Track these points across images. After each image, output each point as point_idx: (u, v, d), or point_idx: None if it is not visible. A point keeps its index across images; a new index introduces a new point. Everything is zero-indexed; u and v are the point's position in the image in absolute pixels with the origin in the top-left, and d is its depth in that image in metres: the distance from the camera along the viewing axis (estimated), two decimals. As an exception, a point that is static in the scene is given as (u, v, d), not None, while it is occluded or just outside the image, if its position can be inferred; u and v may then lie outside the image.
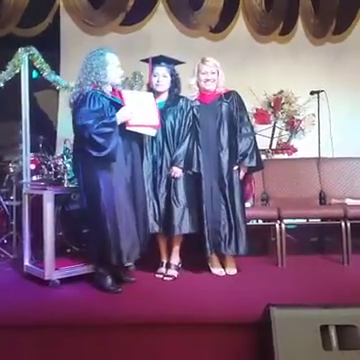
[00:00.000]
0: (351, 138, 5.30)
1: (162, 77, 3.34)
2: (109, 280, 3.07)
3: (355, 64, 5.66)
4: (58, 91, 4.86)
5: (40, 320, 2.56)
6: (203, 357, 2.41)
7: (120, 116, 2.99)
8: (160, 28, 5.55)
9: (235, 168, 3.38)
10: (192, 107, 3.41)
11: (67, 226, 3.65)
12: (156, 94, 3.36)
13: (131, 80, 4.56)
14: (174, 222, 3.26)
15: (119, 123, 2.98)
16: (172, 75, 3.37)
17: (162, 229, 3.32)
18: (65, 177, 3.63)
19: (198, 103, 3.44)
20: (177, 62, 3.44)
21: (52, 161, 3.94)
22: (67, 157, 3.70)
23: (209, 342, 2.45)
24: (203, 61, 3.41)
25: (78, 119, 2.95)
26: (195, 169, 3.33)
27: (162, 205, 3.30)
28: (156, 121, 3.17)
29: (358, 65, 5.66)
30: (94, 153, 2.91)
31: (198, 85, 3.44)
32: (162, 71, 3.35)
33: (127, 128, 3.04)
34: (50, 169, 3.90)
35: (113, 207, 2.96)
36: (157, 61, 3.37)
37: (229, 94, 3.43)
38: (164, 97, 3.39)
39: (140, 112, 3.08)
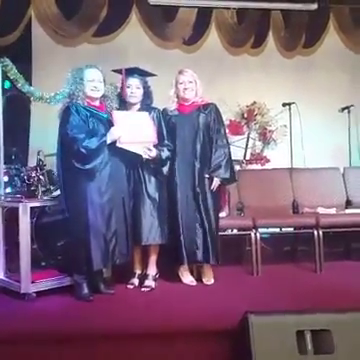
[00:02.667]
0: (322, 149, 5.46)
1: (135, 88, 3.39)
2: (85, 288, 3.10)
3: (324, 77, 5.85)
4: (30, 102, 4.85)
5: (16, 334, 2.51)
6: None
7: (110, 135, 3.13)
8: (134, 40, 5.60)
9: (207, 176, 3.42)
10: (170, 117, 3.47)
11: (41, 239, 3.60)
12: (129, 105, 3.42)
13: (107, 89, 4.57)
14: (147, 231, 3.28)
15: (109, 142, 3.11)
16: (145, 87, 3.42)
17: (134, 238, 3.30)
18: (39, 189, 3.59)
19: (176, 113, 3.50)
20: (150, 74, 3.50)
21: (25, 173, 3.89)
22: (40, 169, 3.68)
23: (188, 350, 2.45)
24: (181, 72, 3.50)
25: (69, 130, 3.07)
26: (166, 172, 3.36)
27: (131, 212, 3.30)
28: (152, 137, 3.28)
29: (327, 78, 5.85)
30: (77, 165, 3.05)
31: (177, 96, 3.50)
32: (135, 83, 3.39)
33: (117, 145, 3.14)
34: (23, 181, 3.85)
35: (88, 216, 3.05)
36: (131, 72, 3.42)
37: (208, 106, 3.51)
38: (136, 108, 3.44)
39: (132, 130, 3.19)
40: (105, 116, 3.25)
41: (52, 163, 3.99)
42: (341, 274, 3.64)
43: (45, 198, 3.49)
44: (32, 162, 4.34)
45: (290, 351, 2.23)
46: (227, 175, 3.45)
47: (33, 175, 3.75)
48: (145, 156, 3.24)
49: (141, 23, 5.62)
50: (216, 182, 3.43)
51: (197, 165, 3.43)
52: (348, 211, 4.13)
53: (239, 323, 2.38)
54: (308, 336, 2.28)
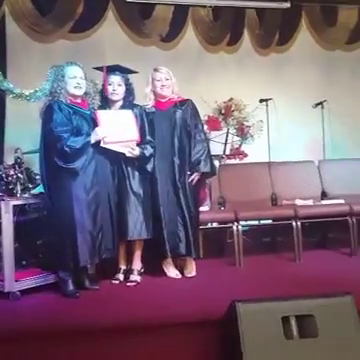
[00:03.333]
0: (298, 143, 5.61)
1: (117, 86, 3.43)
2: (70, 285, 3.12)
3: (298, 73, 5.98)
4: (4, 99, 4.81)
5: (1, 332, 2.51)
6: (174, 356, 2.49)
7: (94, 135, 3.16)
8: (111, 36, 5.58)
9: (189, 173, 3.48)
10: (148, 114, 3.51)
11: (22, 237, 3.58)
12: (111, 102, 3.46)
13: (88, 86, 4.58)
14: (132, 226, 3.32)
15: (93, 142, 3.14)
16: (126, 84, 3.46)
17: (119, 233, 3.34)
18: (18, 187, 3.57)
19: (154, 110, 3.54)
20: (131, 71, 3.54)
21: (3, 171, 3.86)
22: (19, 166, 3.67)
23: (178, 341, 2.53)
24: (156, 69, 3.55)
25: (54, 128, 3.07)
26: (150, 169, 3.40)
27: (115, 210, 3.34)
28: (135, 136, 3.31)
29: (300, 74, 5.98)
30: (60, 163, 3.06)
31: (154, 93, 3.55)
32: (117, 80, 3.43)
33: (102, 145, 3.18)
34: (1, 179, 3.81)
35: (74, 213, 3.07)
36: (112, 70, 3.45)
37: (184, 102, 3.57)
38: (118, 105, 3.48)
39: (116, 130, 3.22)
40: (88, 113, 3.27)
41: (29, 161, 4.00)
42: (319, 262, 3.79)
43: (25, 196, 3.45)
44: (8, 160, 4.29)
45: (277, 336, 2.34)
46: (207, 169, 3.52)
47: (12, 173, 3.72)
48: (129, 155, 3.29)
49: (118, 20, 5.61)
50: (195, 176, 3.49)
51: (176, 160, 3.48)
52: (324, 202, 4.28)
53: (227, 311, 2.48)
54: (293, 321, 2.40)
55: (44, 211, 3.31)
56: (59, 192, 3.12)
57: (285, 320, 2.39)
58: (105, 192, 3.25)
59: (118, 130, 3.25)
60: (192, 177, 3.49)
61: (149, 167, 3.41)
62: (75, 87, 3.20)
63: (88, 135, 3.17)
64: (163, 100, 3.56)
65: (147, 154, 3.37)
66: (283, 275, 3.43)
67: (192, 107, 3.58)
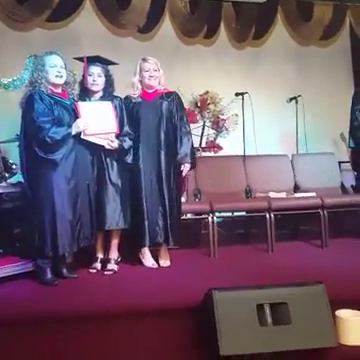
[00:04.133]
0: (272, 137, 5.71)
1: (97, 76, 3.43)
2: (48, 273, 3.15)
3: (272, 68, 6.07)
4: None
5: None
6: (151, 343, 2.53)
7: (75, 127, 3.17)
8: (88, 26, 5.54)
9: (182, 167, 3.55)
10: (133, 104, 3.55)
11: (-2, 226, 3.59)
12: (91, 93, 3.46)
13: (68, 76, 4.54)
14: (110, 216, 3.36)
15: (74, 133, 3.15)
16: (106, 75, 3.47)
17: (97, 223, 3.37)
18: (-5, 176, 3.56)
19: (140, 100, 3.57)
20: (111, 63, 3.55)
21: (-20, 160, 3.82)
22: (-5, 155, 3.64)
23: (155, 329, 2.58)
24: (145, 59, 3.57)
25: (36, 118, 3.07)
26: (130, 160, 3.43)
27: (94, 200, 3.36)
28: (114, 128, 3.32)
29: (275, 69, 6.07)
30: (41, 153, 3.07)
31: (141, 83, 3.57)
32: (97, 71, 3.44)
33: (82, 137, 3.19)
34: (-21, 168, 3.78)
35: (54, 202, 3.09)
36: (93, 60, 3.45)
37: (170, 94, 3.62)
38: (98, 96, 3.48)
39: (96, 122, 3.23)
40: (68, 103, 3.28)
41: (5, 150, 3.96)
42: (291, 253, 3.89)
43: (1, 185, 3.43)
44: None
45: (251, 323, 2.42)
46: (194, 161, 3.60)
47: (-12, 162, 3.70)
48: (108, 147, 3.31)
49: (95, 9, 5.57)
50: (187, 168, 3.56)
51: (161, 151, 3.52)
52: (296, 195, 4.37)
53: (203, 299, 2.55)
54: (267, 309, 2.47)
55: (21, 200, 3.30)
56: (39, 182, 3.13)
57: (260, 308, 2.46)
58: (84, 182, 3.27)
59: (98, 122, 3.26)
60: (183, 168, 3.55)
61: (128, 159, 3.44)
62: (56, 76, 3.20)
63: (69, 126, 3.17)
64: (150, 91, 3.59)
65: (126, 146, 3.40)
66: (256, 265, 3.51)
67: (178, 99, 3.63)
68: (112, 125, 3.33)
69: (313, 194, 4.27)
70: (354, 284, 2.93)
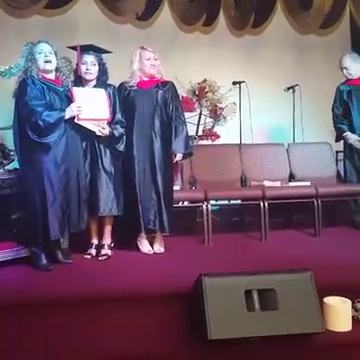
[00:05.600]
0: (268, 126, 5.73)
1: (91, 65, 3.46)
2: (43, 259, 3.19)
3: (271, 56, 6.04)
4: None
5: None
6: (143, 327, 2.59)
7: (69, 111, 3.20)
8: (86, 13, 5.52)
9: (178, 157, 3.58)
10: (129, 91, 3.57)
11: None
12: (84, 82, 3.49)
13: (59, 63, 4.56)
14: (103, 203, 3.41)
15: (67, 117, 3.18)
16: (100, 63, 3.49)
17: (90, 209, 3.43)
18: (-8, 163, 3.61)
19: (135, 88, 3.60)
20: (105, 51, 3.56)
21: (-24, 147, 3.87)
22: (-11, 142, 3.70)
23: (147, 314, 2.64)
24: (144, 48, 3.60)
25: (29, 101, 3.11)
26: (121, 149, 3.46)
27: (88, 185, 3.42)
28: (107, 115, 3.36)
29: (273, 57, 6.04)
30: (34, 137, 3.10)
31: (141, 71, 3.59)
32: (91, 59, 3.46)
33: (76, 121, 3.22)
34: (-25, 155, 3.82)
35: (44, 187, 3.13)
36: (86, 49, 3.47)
37: (166, 83, 3.65)
38: (92, 85, 3.51)
39: (90, 107, 3.27)
40: (61, 89, 3.31)
41: (3, 137, 4.01)
42: (284, 241, 3.95)
43: (0, 171, 3.48)
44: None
45: (240, 308, 2.48)
46: (188, 150, 3.64)
47: (-16, 149, 3.75)
48: (99, 134, 3.34)
49: (93, -4, 5.58)
50: (179, 157, 3.60)
51: (155, 139, 3.56)
52: (291, 184, 4.41)
53: (194, 285, 2.61)
54: (255, 295, 2.54)
55: (19, 186, 3.34)
56: (31, 166, 3.17)
57: (248, 294, 2.52)
58: (75, 168, 3.30)
59: (92, 108, 3.30)
60: (177, 158, 3.59)
61: (120, 147, 3.47)
62: (45, 61, 3.24)
63: (62, 111, 3.20)
64: (146, 79, 3.62)
65: (116, 134, 3.43)
66: (248, 253, 3.58)
67: (173, 89, 3.66)
68: (105, 112, 3.37)
69: (307, 183, 4.31)
70: (343, 272, 2.99)
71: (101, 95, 3.41)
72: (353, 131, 4.44)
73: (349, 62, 4.46)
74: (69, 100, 3.27)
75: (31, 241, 3.25)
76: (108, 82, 3.57)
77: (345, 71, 4.48)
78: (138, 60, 3.58)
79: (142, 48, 3.60)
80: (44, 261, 3.20)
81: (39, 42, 3.28)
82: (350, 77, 4.49)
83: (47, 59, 3.22)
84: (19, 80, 3.24)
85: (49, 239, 3.19)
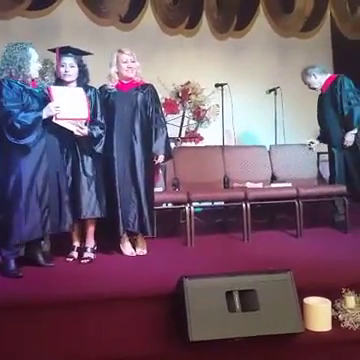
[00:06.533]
0: (251, 128, 5.79)
1: (69, 67, 3.44)
2: (12, 265, 3.11)
3: (254, 59, 6.14)
4: None
5: None
6: (124, 328, 2.59)
7: (46, 110, 3.14)
8: (69, 15, 5.55)
9: (160, 160, 3.60)
10: (108, 94, 3.58)
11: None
12: (64, 84, 3.47)
13: (42, 67, 4.55)
14: (85, 205, 3.40)
15: (45, 117, 3.13)
16: (79, 65, 3.48)
17: (72, 212, 3.39)
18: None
19: (115, 90, 3.60)
20: (84, 53, 3.55)
21: None
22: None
23: (129, 314, 2.64)
24: (121, 51, 3.59)
25: (4, 103, 3.06)
26: (99, 150, 3.45)
27: (69, 188, 3.40)
28: (85, 114, 3.32)
29: (256, 60, 6.13)
30: (12, 139, 3.06)
31: (118, 74, 3.60)
32: (69, 61, 3.45)
33: (54, 121, 3.18)
34: None
35: (17, 191, 3.08)
36: (64, 51, 3.46)
37: (145, 86, 3.65)
38: (72, 87, 3.48)
39: (68, 107, 3.23)
40: (37, 91, 3.27)
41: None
42: (266, 242, 3.96)
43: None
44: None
45: (221, 309, 2.50)
46: (168, 153, 3.66)
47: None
48: (77, 133, 3.31)
49: (77, -2, 5.58)
50: (161, 159, 3.62)
51: (135, 142, 3.56)
52: (273, 185, 4.45)
53: (175, 287, 2.62)
54: (236, 296, 2.56)
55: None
56: (7, 169, 3.11)
57: (229, 294, 2.54)
58: (54, 170, 3.26)
59: (70, 107, 3.26)
60: (158, 161, 3.60)
61: (98, 148, 3.44)
62: (38, 71, 3.24)
63: (37, 109, 3.16)
64: (126, 82, 3.62)
65: (95, 135, 3.41)
66: (231, 254, 3.60)
67: (153, 92, 3.67)
68: (84, 111, 3.33)
69: (289, 185, 4.36)
70: (323, 272, 3.03)
71: (79, 94, 3.38)
72: (329, 138, 4.50)
73: (306, 78, 4.55)
74: (47, 101, 3.22)
75: (1, 245, 3.15)
76: (89, 84, 3.56)
77: (309, 87, 4.58)
78: (115, 63, 3.59)
79: (119, 51, 3.60)
80: (13, 266, 3.11)
81: (33, 46, 3.22)
82: (317, 89, 4.56)
83: (38, 68, 3.23)
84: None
85: (14, 243, 3.11)
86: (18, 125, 3.04)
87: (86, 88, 3.49)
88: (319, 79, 4.51)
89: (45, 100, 3.23)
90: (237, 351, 2.48)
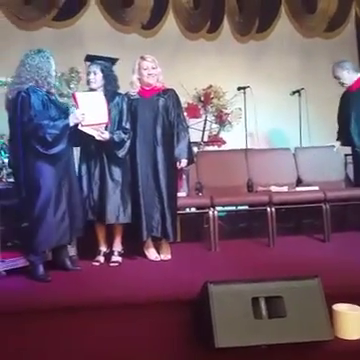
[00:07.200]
0: (274, 130, 5.71)
1: (93, 74, 3.49)
2: (40, 270, 3.15)
3: (275, 61, 6.07)
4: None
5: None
6: (149, 333, 2.57)
7: (73, 118, 3.17)
8: (93, 24, 5.63)
9: (182, 165, 3.59)
10: (131, 100, 3.59)
11: (7, 221, 3.66)
12: (92, 91, 3.52)
13: (68, 75, 4.64)
14: (111, 211, 3.43)
15: (72, 124, 3.16)
16: (103, 71, 3.50)
17: (98, 218, 3.48)
18: (3, 172, 3.64)
19: (137, 97, 3.62)
20: (108, 59, 3.58)
21: (-12, 157, 3.91)
22: (4, 152, 3.72)
23: (152, 321, 2.62)
24: (143, 58, 3.61)
25: (33, 116, 3.06)
26: (122, 155, 3.46)
27: (96, 194, 3.46)
28: (105, 118, 3.35)
29: (278, 62, 6.07)
30: (42, 150, 3.07)
31: (140, 81, 3.61)
32: (93, 68, 3.50)
33: (79, 128, 3.21)
34: (-13, 164, 3.86)
35: (45, 200, 3.11)
36: (88, 59, 3.54)
37: (167, 91, 3.66)
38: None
39: (91, 112, 3.26)
40: (54, 98, 3.30)
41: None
42: (292, 247, 3.89)
43: (10, 180, 3.52)
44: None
45: (246, 316, 2.44)
46: (191, 157, 3.66)
47: (-3, 159, 3.79)
48: (98, 138, 3.34)
49: (99, 7, 5.65)
50: (184, 164, 3.61)
51: (157, 147, 3.57)
52: (299, 189, 4.36)
53: (200, 292, 2.58)
54: (262, 302, 2.49)
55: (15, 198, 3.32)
56: (34, 177, 3.11)
57: (255, 301, 2.48)
58: (76, 175, 3.34)
59: (93, 113, 3.28)
60: (181, 165, 3.59)
61: (120, 153, 3.45)
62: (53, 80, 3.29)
63: (61, 118, 3.17)
64: (148, 88, 3.63)
65: (117, 139, 3.42)
66: (256, 259, 3.54)
67: (175, 97, 3.67)
68: (104, 116, 3.36)
69: (315, 188, 4.26)
70: (353, 278, 2.94)
71: (100, 98, 3.39)
72: (351, 139, 4.39)
73: (339, 71, 4.48)
74: (59, 106, 3.27)
75: (30, 250, 3.20)
76: (118, 91, 3.59)
77: (338, 81, 4.49)
78: (137, 70, 3.61)
79: (141, 58, 3.62)
80: (41, 271, 3.15)
81: (51, 56, 3.23)
82: (345, 85, 4.48)
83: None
84: (16, 91, 3.11)
85: (42, 250, 3.18)
86: (48, 137, 3.05)
87: (114, 94, 3.52)
88: (351, 76, 4.45)
89: (57, 105, 3.26)
90: (263, 359, 2.42)
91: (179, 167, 3.61)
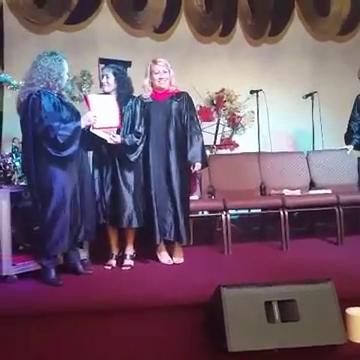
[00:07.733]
0: (287, 133, 5.69)
1: (106, 78, 3.52)
2: (52, 274, 3.16)
3: (288, 64, 6.03)
4: (2, 89, 4.87)
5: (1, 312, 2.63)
6: (161, 337, 2.58)
7: (85, 120, 3.18)
8: (105, 27, 5.65)
9: (195, 169, 3.60)
10: (144, 104, 3.60)
11: (19, 224, 3.69)
12: (105, 94, 3.54)
13: (80, 79, 4.68)
14: (123, 215, 3.44)
15: (83, 126, 3.16)
16: (116, 74, 3.51)
17: (111, 221, 3.49)
18: (15, 175, 3.68)
19: (150, 100, 3.63)
20: (121, 62, 3.60)
21: (1, 160, 3.96)
22: (16, 155, 3.77)
23: (164, 324, 2.63)
24: (155, 62, 3.62)
25: (44, 118, 3.06)
26: (133, 159, 3.46)
27: (108, 197, 3.47)
28: (117, 122, 3.36)
29: (291, 65, 6.03)
30: (53, 152, 3.06)
31: (152, 85, 3.63)
32: (106, 72, 3.53)
33: (91, 130, 3.23)
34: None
35: (58, 203, 3.10)
36: (101, 62, 3.57)
37: (180, 94, 3.67)
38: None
39: (103, 115, 3.27)
40: (66, 100, 3.32)
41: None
42: (305, 250, 3.88)
43: (22, 184, 3.56)
44: (5, 149, 4.38)
45: (259, 320, 2.44)
46: (204, 160, 3.66)
47: (9, 162, 3.82)
48: (110, 141, 3.35)
49: (112, 11, 5.68)
50: (198, 167, 3.62)
51: (170, 150, 3.58)
52: (312, 192, 4.35)
53: (213, 296, 2.58)
54: (275, 306, 2.49)
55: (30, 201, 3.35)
56: (46, 181, 3.11)
57: (268, 305, 2.48)
58: (88, 177, 3.35)
59: (105, 115, 3.30)
60: (195, 169, 3.60)
61: (132, 157, 3.45)
62: (66, 83, 3.31)
63: (73, 120, 3.18)
64: (160, 92, 3.64)
65: (128, 143, 3.42)
66: (269, 262, 3.53)
67: (188, 99, 3.68)
68: (116, 119, 3.37)
69: (328, 191, 4.24)
70: (367, 282, 2.93)
71: (111, 101, 3.41)
72: None
73: None
74: (71, 108, 3.28)
75: (42, 254, 3.21)
76: (132, 94, 3.60)
77: None
78: (149, 74, 3.63)
79: (153, 61, 3.63)
80: (53, 275, 3.15)
81: (64, 59, 3.23)
82: None
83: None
84: (28, 93, 3.12)
85: (55, 254, 3.19)
86: (60, 138, 3.04)
87: (128, 98, 3.53)
88: None
89: (69, 107, 3.27)
90: (276, 363, 2.43)
91: (193, 171, 3.62)
